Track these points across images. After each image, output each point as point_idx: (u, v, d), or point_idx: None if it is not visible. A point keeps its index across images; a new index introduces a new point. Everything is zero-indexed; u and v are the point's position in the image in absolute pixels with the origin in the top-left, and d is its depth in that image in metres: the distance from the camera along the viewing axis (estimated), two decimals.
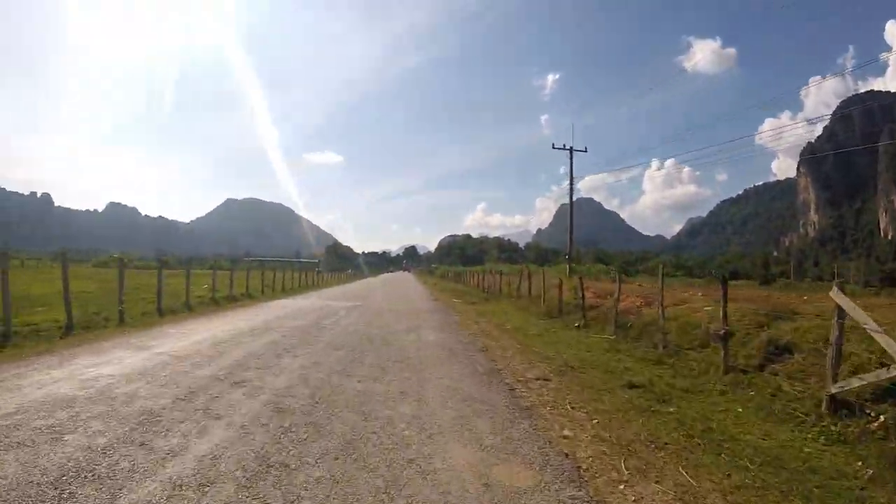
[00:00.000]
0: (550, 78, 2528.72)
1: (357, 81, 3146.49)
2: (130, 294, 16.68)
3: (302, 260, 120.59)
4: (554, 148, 39.39)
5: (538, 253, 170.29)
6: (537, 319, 17.52)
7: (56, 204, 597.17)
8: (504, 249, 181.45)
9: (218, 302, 20.35)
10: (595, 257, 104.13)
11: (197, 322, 14.19)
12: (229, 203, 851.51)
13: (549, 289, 20.73)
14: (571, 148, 39.36)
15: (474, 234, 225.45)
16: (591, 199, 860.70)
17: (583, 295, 16.31)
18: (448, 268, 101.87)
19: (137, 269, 36.80)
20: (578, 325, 15.00)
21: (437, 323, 15.90)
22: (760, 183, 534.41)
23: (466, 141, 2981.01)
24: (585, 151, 39.95)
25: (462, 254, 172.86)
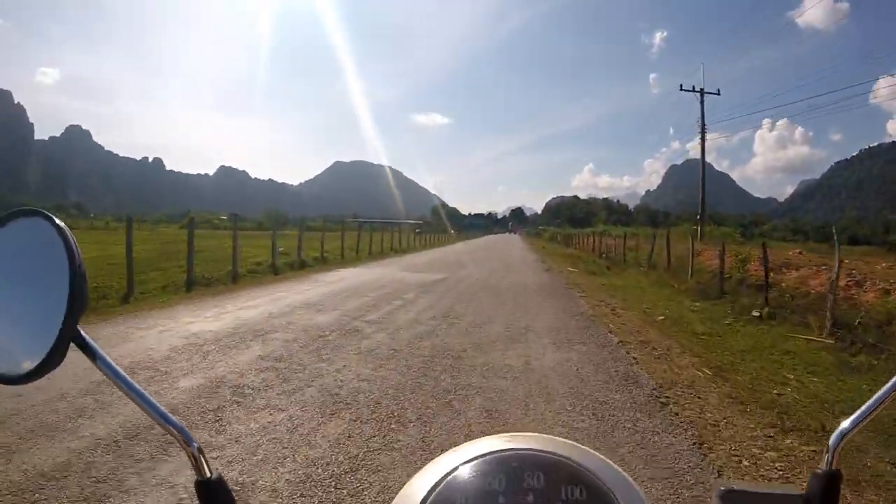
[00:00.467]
0: (658, 36, 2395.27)
1: (465, 41, 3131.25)
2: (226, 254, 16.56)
3: (403, 221, 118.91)
4: (682, 90, 33.90)
5: (649, 215, 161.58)
6: (691, 302, 12.92)
7: (167, 168, 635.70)
8: (613, 211, 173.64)
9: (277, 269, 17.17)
10: (709, 220, 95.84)
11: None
12: (337, 166, 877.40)
13: (683, 257, 16.11)
14: (702, 90, 33.56)
15: (582, 196, 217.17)
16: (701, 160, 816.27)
17: (766, 268, 11.44)
18: (557, 230, 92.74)
19: (246, 231, 34.89)
20: (760, 315, 10.40)
21: (557, 314, 10.04)
22: (875, 144, 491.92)
23: (574, 101, 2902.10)
24: (718, 94, 34.36)
25: (570, 215, 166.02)
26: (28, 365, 0.52)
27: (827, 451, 0.55)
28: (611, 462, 0.50)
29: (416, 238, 45.73)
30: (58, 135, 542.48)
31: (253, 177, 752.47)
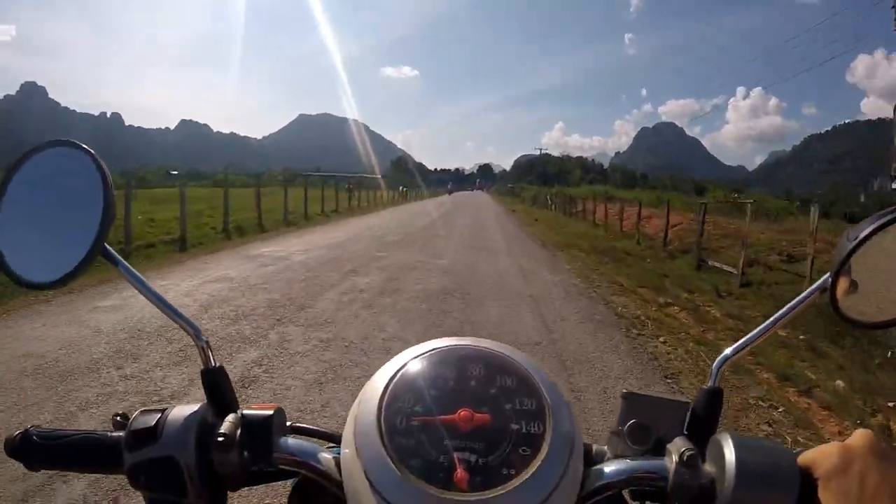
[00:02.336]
0: None
1: None
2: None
3: (364, 175, 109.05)
4: None
5: (624, 175, 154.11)
6: None
7: (127, 123, 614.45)
8: (588, 170, 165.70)
9: None
10: (672, 186, 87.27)
11: None
12: (302, 119, 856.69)
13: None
14: None
15: (552, 154, 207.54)
16: (672, 124, 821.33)
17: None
18: (543, 189, 65.91)
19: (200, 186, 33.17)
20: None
21: None
22: (851, 120, 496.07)
23: (547, 58, 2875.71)
24: None
25: (543, 173, 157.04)
26: (57, 273, 0.59)
27: (710, 373, 0.63)
28: (536, 362, 0.60)
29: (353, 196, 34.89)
30: (13, 93, 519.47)
31: (215, 130, 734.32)
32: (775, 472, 0.49)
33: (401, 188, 51.43)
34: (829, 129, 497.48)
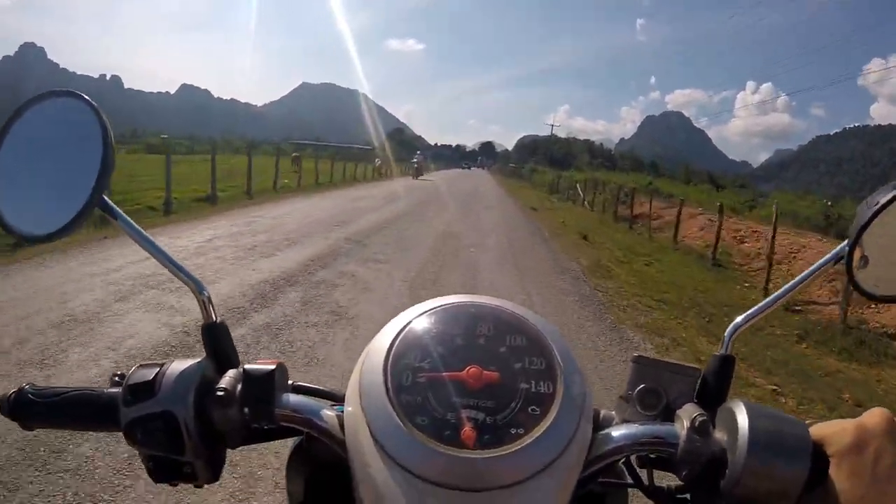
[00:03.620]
0: None
1: None
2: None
3: (358, 147, 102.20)
4: None
5: (633, 162, 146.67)
6: None
7: (126, 87, 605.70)
8: (595, 154, 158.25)
9: None
10: (685, 179, 79.52)
11: None
12: (304, 87, 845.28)
13: None
14: None
15: (559, 136, 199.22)
16: (680, 114, 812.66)
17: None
18: (561, 173, 47.63)
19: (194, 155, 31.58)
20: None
21: None
22: (861, 124, 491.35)
23: (556, 38, 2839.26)
24: None
25: (550, 155, 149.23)
26: (55, 225, 0.58)
27: (723, 340, 0.62)
28: (548, 321, 0.59)
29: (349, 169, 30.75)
30: (11, 54, 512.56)
31: (216, 96, 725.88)
32: (788, 443, 0.49)
33: (376, 162, 39.38)
34: (839, 130, 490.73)
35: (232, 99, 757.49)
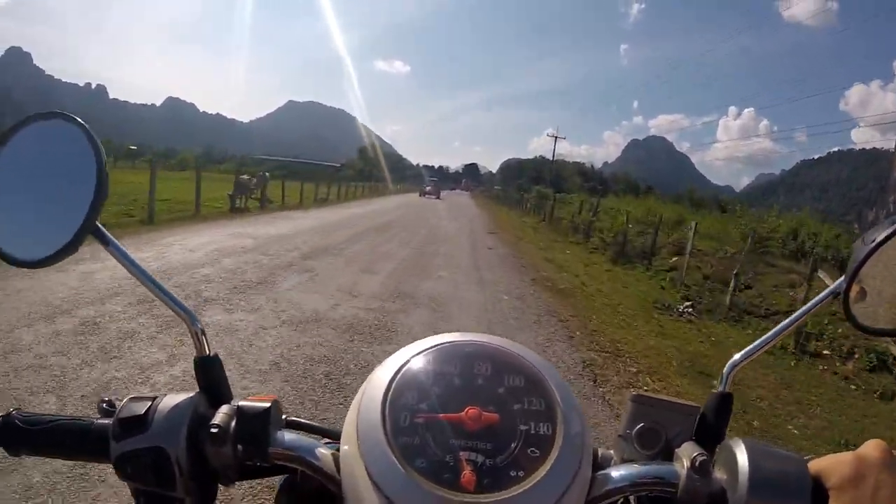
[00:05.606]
0: (636, 6, 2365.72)
1: None
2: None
3: (327, 164, 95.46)
4: None
5: (628, 185, 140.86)
6: None
7: (111, 97, 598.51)
8: (588, 177, 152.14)
9: None
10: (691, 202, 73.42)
11: None
12: (290, 105, 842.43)
13: None
14: None
15: (546, 158, 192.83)
16: (663, 139, 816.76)
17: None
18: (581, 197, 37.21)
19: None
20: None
21: None
22: (844, 148, 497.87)
23: (541, 62, 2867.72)
24: None
25: (536, 177, 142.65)
26: (46, 251, 0.57)
27: (721, 378, 0.62)
28: (547, 360, 0.58)
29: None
30: None
31: (202, 110, 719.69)
32: (788, 480, 0.48)
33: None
34: (823, 155, 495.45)
35: (218, 114, 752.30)
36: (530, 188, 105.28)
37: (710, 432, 0.60)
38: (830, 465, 0.48)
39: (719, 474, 0.52)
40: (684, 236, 14.04)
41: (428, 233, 16.41)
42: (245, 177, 18.92)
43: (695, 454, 0.51)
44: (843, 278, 0.58)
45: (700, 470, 0.51)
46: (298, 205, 21.92)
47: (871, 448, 0.46)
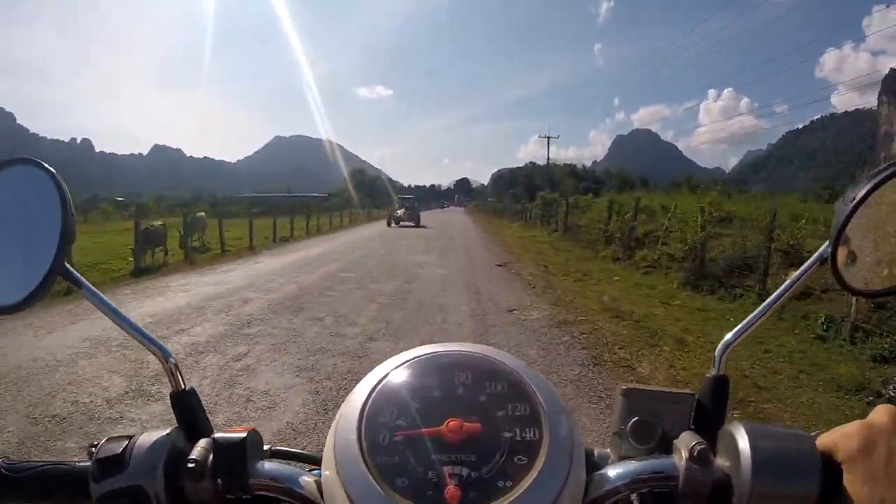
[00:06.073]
0: (605, 5, 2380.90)
1: (408, 10, 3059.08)
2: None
3: (314, 195, 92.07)
4: None
5: (622, 181, 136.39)
6: None
7: (97, 149, 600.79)
8: (581, 178, 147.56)
9: None
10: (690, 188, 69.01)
11: None
12: (277, 141, 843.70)
13: None
14: None
15: (537, 164, 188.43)
16: (648, 130, 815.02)
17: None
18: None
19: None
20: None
21: None
22: (827, 114, 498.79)
23: (519, 72, 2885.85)
24: None
25: (528, 185, 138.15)
26: (17, 296, 0.57)
27: (714, 360, 0.60)
28: (527, 364, 0.57)
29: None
30: None
31: (189, 155, 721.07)
32: (794, 458, 0.46)
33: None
34: (807, 124, 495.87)
35: (205, 157, 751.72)
36: (524, 196, 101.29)
37: (708, 419, 0.58)
38: (839, 437, 0.46)
39: (721, 461, 0.51)
40: (787, 238, 9.31)
41: (400, 290, 9.69)
42: (157, 223, 14.13)
43: (693, 443, 0.50)
44: (827, 243, 0.56)
45: (700, 459, 0.49)
46: (247, 250, 17.34)
47: (881, 414, 0.45)
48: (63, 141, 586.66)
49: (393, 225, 34.29)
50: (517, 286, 10.00)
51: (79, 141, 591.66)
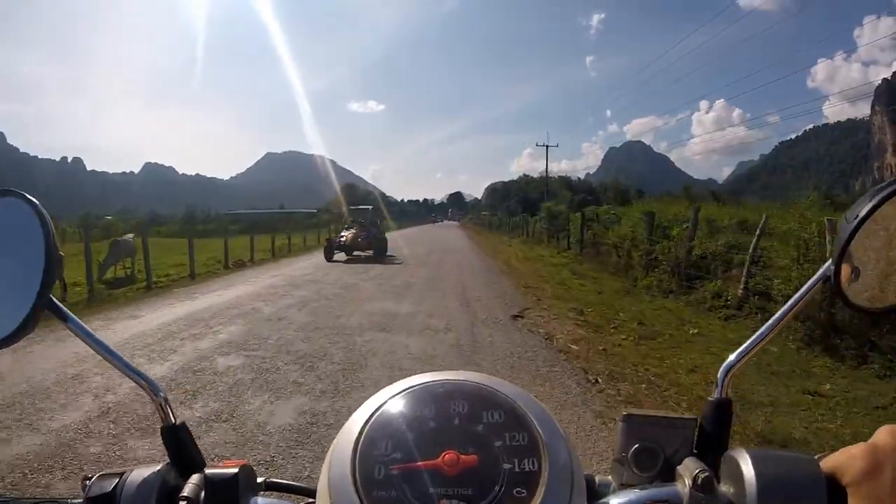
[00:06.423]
0: (595, 17, 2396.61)
1: (399, 25, 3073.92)
2: None
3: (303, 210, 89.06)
4: None
5: (618, 193, 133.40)
6: None
7: (89, 168, 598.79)
8: (576, 190, 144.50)
9: None
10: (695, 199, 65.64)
11: None
12: (269, 157, 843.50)
13: None
14: None
15: (531, 176, 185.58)
16: (640, 142, 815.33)
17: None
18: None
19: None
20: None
21: None
22: (819, 124, 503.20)
23: (511, 85, 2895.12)
24: None
25: (523, 198, 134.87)
26: (4, 330, 0.56)
27: (717, 383, 0.59)
28: (524, 391, 0.55)
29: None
30: None
31: (181, 172, 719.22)
32: (799, 483, 0.45)
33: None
34: (800, 134, 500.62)
35: (197, 174, 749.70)
36: (519, 209, 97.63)
37: (711, 443, 0.57)
38: (843, 460, 0.45)
39: (725, 488, 0.50)
40: None
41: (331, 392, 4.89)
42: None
43: (696, 471, 0.49)
44: (829, 261, 0.55)
45: (703, 487, 0.48)
46: (183, 281, 13.72)
47: (885, 435, 0.44)
48: (54, 160, 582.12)
49: (337, 257, 19.24)
50: (560, 376, 5.55)
51: (70, 160, 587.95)
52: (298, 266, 17.14)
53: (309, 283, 12.72)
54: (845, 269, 0.54)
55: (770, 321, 0.58)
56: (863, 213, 0.51)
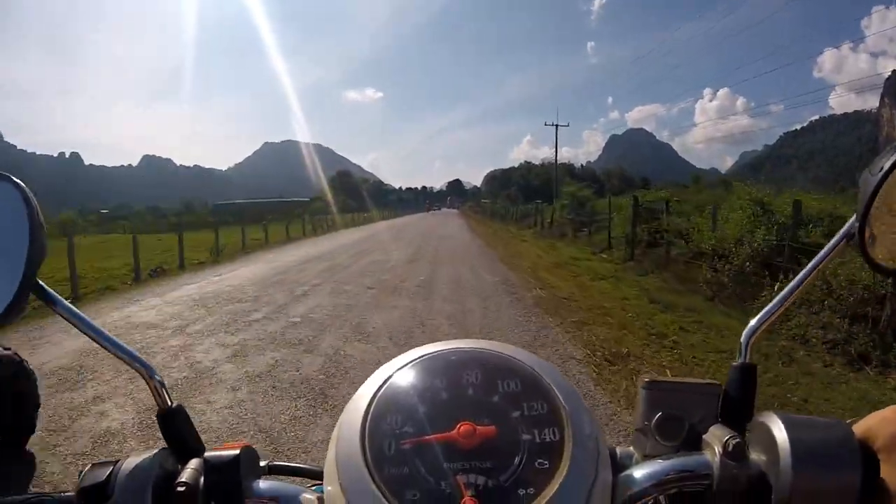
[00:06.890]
0: (597, 1, 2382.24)
1: (398, 13, 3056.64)
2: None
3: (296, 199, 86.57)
4: None
5: (622, 181, 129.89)
6: None
7: (87, 162, 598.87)
8: (579, 178, 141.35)
9: None
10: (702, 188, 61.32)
11: None
12: (267, 147, 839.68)
13: None
14: None
15: (533, 163, 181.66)
16: (642, 130, 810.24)
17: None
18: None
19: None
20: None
21: None
22: (825, 115, 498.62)
23: (511, 72, 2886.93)
24: None
25: (525, 185, 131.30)
26: None
27: (739, 348, 0.57)
28: (541, 359, 0.53)
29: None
30: None
31: (179, 164, 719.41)
32: (835, 450, 0.44)
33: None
34: (805, 125, 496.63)
35: (195, 165, 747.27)
36: (520, 196, 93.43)
37: (737, 410, 0.55)
38: (875, 424, 0.44)
39: (756, 456, 0.48)
40: None
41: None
42: None
43: (726, 437, 0.48)
44: (854, 217, 0.53)
45: (735, 454, 0.47)
46: (121, 287, 10.03)
47: None
48: (52, 156, 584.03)
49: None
50: None
51: (68, 155, 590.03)
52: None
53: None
54: (869, 226, 0.52)
55: (793, 282, 0.56)
56: (887, 165, 0.49)
